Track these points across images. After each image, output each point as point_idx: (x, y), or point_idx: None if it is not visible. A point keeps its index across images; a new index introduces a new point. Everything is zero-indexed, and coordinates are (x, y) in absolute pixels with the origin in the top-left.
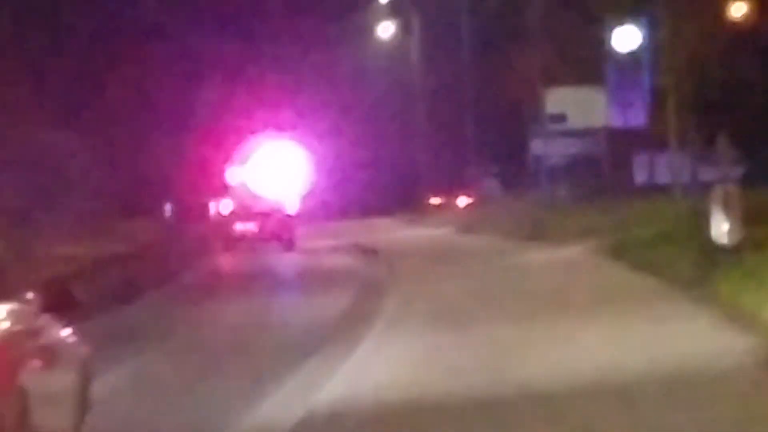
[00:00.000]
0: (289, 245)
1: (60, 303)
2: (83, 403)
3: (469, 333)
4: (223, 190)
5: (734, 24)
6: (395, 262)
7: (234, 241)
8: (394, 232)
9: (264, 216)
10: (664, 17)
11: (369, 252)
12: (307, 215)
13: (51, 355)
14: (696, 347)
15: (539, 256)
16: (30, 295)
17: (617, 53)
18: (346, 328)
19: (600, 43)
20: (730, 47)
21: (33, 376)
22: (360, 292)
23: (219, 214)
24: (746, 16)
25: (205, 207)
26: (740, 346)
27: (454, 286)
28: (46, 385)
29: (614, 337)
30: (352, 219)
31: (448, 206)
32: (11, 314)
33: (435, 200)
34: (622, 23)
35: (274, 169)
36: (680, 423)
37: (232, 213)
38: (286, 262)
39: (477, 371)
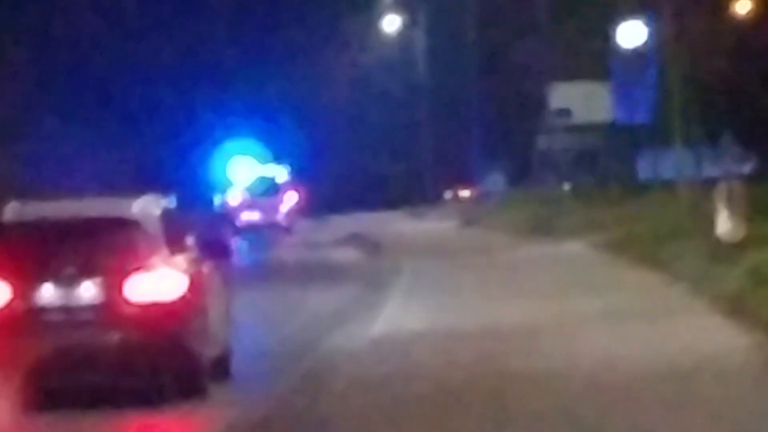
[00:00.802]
0: (288, 231)
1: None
2: (230, 318)
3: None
4: (230, 182)
5: (739, 20)
6: (398, 256)
7: (240, 228)
8: (397, 225)
9: (266, 206)
10: (669, 13)
11: (373, 246)
12: (310, 208)
13: (214, 284)
14: (698, 344)
15: (541, 250)
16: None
17: (623, 49)
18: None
19: (605, 39)
20: (735, 44)
21: (209, 299)
22: (364, 286)
23: (227, 204)
24: (751, 13)
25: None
26: (743, 343)
27: (453, 282)
28: (215, 306)
29: (611, 331)
30: (355, 213)
31: (452, 200)
32: (192, 257)
33: (448, 194)
34: (627, 19)
35: (274, 163)
36: (680, 418)
37: (239, 204)
38: (292, 256)
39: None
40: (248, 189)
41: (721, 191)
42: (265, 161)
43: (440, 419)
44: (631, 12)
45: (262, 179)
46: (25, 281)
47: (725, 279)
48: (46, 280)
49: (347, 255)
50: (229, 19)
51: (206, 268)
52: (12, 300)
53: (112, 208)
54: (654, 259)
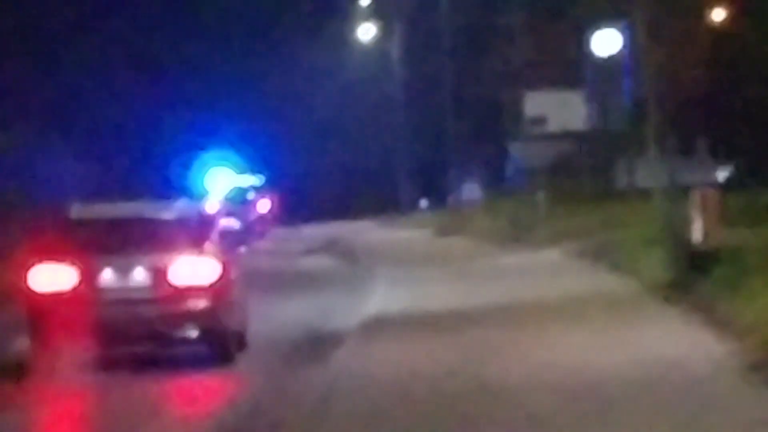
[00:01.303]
0: (261, 236)
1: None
2: (247, 300)
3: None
4: (206, 191)
5: (714, 28)
6: (373, 265)
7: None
8: (372, 234)
9: (241, 214)
10: (643, 21)
11: (347, 254)
12: (285, 217)
13: (236, 271)
14: (672, 351)
15: (517, 258)
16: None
17: (597, 57)
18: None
19: (580, 47)
20: (710, 51)
21: (234, 284)
22: (336, 296)
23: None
24: (726, 21)
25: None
26: (717, 350)
27: (426, 293)
28: (237, 289)
29: (586, 338)
30: (330, 221)
31: (430, 209)
32: (219, 249)
33: (422, 202)
34: (602, 27)
35: (248, 173)
36: (654, 424)
37: (216, 212)
38: (267, 264)
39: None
40: (224, 198)
41: (695, 199)
42: (240, 171)
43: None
44: (606, 20)
45: (238, 188)
46: (88, 267)
47: (700, 287)
48: (105, 267)
49: (321, 263)
50: (205, 30)
51: (229, 257)
52: (79, 282)
53: (157, 210)
54: (629, 266)
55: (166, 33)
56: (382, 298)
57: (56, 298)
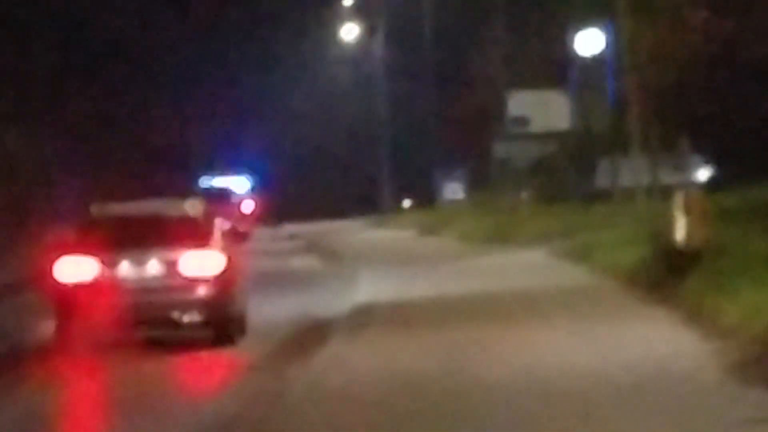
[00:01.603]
0: (245, 237)
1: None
2: (246, 289)
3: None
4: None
5: (696, 27)
6: (357, 265)
7: None
8: (356, 234)
9: (226, 214)
10: (626, 21)
11: (331, 254)
12: (269, 217)
13: (238, 262)
14: (656, 350)
15: (500, 259)
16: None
17: (580, 57)
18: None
19: (563, 47)
20: (692, 52)
21: (236, 275)
22: (318, 297)
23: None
24: (708, 19)
25: None
26: (701, 349)
27: (409, 294)
28: (239, 279)
29: (570, 337)
30: (314, 222)
31: (413, 208)
32: (224, 243)
33: (406, 202)
34: (585, 27)
35: (233, 174)
36: (638, 423)
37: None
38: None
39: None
40: (209, 197)
41: (678, 199)
42: (226, 172)
43: None
44: (589, 20)
45: (223, 188)
46: (108, 260)
47: (683, 286)
48: (123, 259)
49: (305, 263)
50: (189, 31)
51: (233, 250)
52: (100, 273)
53: (168, 208)
54: (612, 266)
55: (150, 35)
56: (365, 295)
57: (79, 287)
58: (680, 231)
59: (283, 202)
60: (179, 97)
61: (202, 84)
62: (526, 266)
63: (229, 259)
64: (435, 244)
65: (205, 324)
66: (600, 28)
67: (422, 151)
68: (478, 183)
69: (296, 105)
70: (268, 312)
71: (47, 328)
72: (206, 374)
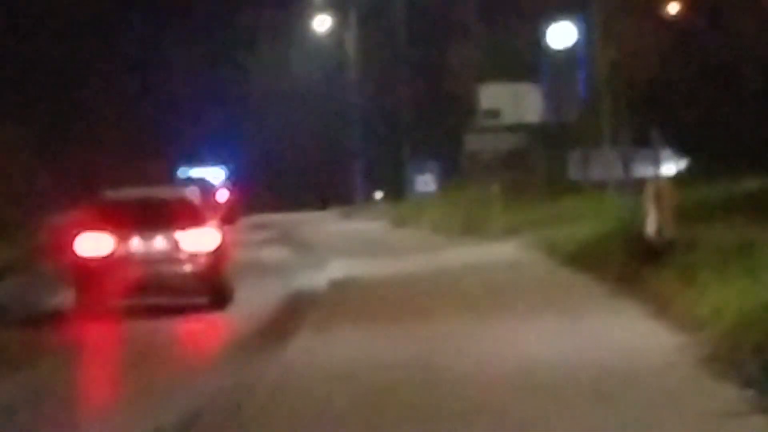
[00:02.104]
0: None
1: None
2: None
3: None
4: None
5: (669, 22)
6: (329, 256)
7: None
8: (328, 225)
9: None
10: (598, 14)
11: (304, 245)
12: (242, 208)
13: (228, 240)
14: (625, 343)
15: (471, 250)
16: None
17: (552, 50)
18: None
19: (535, 40)
20: (664, 45)
21: (228, 250)
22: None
23: None
24: (681, 14)
25: None
26: (671, 342)
27: (380, 284)
28: (229, 254)
29: (540, 330)
30: (286, 212)
31: (385, 200)
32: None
33: (377, 194)
34: (557, 20)
35: (208, 164)
36: (607, 419)
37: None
38: None
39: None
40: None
41: (649, 192)
42: (200, 163)
43: None
44: (561, 13)
45: (200, 179)
46: (122, 237)
47: (654, 280)
48: (134, 236)
49: (275, 254)
50: (159, 20)
51: (224, 229)
52: (115, 248)
53: (171, 193)
54: (582, 259)
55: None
56: (335, 287)
57: (96, 260)
58: (651, 224)
59: (256, 194)
60: (156, 90)
61: (175, 76)
62: (497, 258)
63: (222, 237)
64: (406, 235)
65: (202, 291)
66: (572, 21)
67: (394, 143)
68: (449, 175)
69: (270, 97)
70: (245, 296)
71: (64, 296)
72: (203, 332)
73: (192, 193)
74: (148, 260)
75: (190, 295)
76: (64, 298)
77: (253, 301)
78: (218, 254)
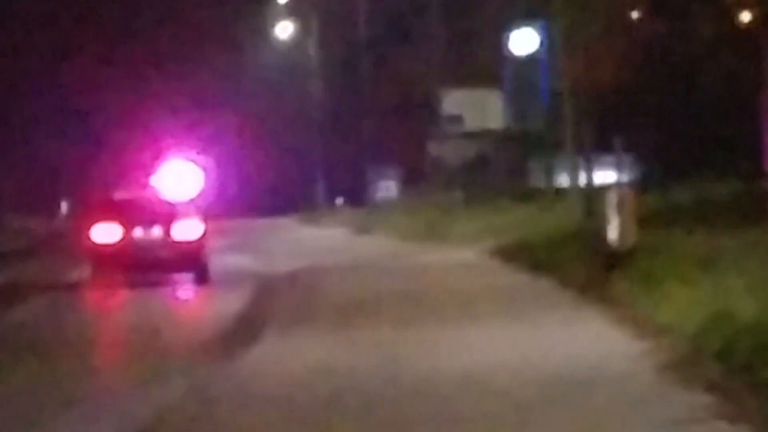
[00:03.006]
0: None
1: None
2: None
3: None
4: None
5: (631, 28)
6: (289, 263)
7: None
8: (290, 232)
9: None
10: (561, 21)
11: (265, 252)
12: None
13: (208, 230)
14: (587, 349)
15: (434, 257)
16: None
17: (515, 56)
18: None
19: (497, 46)
20: (626, 51)
21: (208, 237)
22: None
23: None
24: (643, 20)
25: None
26: (633, 348)
27: (346, 292)
28: (209, 241)
29: (500, 337)
30: (249, 218)
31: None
32: (200, 216)
33: (339, 200)
34: (519, 26)
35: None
36: (568, 425)
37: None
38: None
39: None
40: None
41: (611, 198)
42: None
43: None
44: (524, 19)
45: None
46: (127, 226)
47: (615, 286)
48: (136, 226)
49: (238, 261)
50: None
51: (206, 223)
52: (123, 236)
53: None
54: (544, 265)
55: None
56: (299, 297)
57: (107, 245)
58: (612, 230)
59: (216, 200)
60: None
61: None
62: (459, 265)
63: (205, 227)
64: (370, 242)
65: (188, 270)
66: (534, 27)
67: (356, 149)
68: (411, 181)
69: (230, 104)
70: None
71: (82, 273)
72: (191, 302)
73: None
74: (147, 246)
75: (178, 272)
76: (83, 273)
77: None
78: (201, 241)
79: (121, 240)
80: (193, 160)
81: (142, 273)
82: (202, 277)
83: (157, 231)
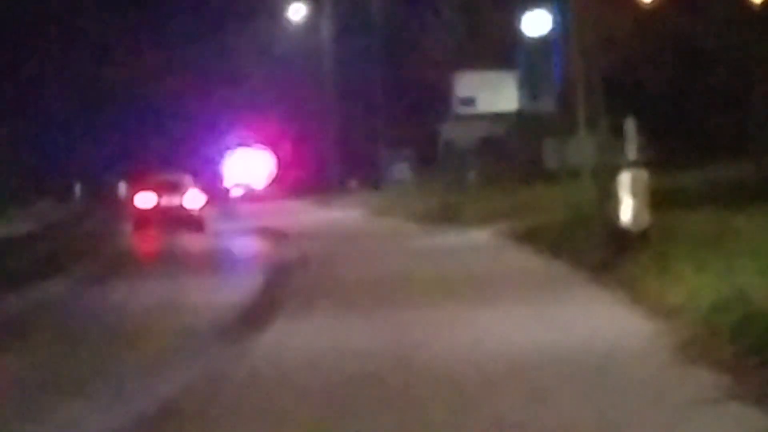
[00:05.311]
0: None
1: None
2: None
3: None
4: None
5: (644, 7)
6: (305, 246)
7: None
8: (306, 214)
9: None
10: (574, 1)
11: (279, 235)
12: (219, 197)
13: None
14: (600, 330)
15: (447, 239)
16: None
17: (528, 38)
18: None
19: (511, 28)
20: (639, 31)
21: (207, 205)
22: (267, 283)
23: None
24: (656, 1)
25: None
26: (646, 330)
27: (356, 272)
28: (207, 207)
29: (515, 318)
30: (263, 202)
31: (360, 189)
32: (201, 190)
33: (353, 182)
34: (532, 8)
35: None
36: (582, 406)
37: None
38: (198, 244)
39: None
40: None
41: (624, 180)
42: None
43: None
44: (537, 1)
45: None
46: (159, 195)
47: (628, 267)
48: (165, 195)
49: (252, 243)
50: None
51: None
52: (157, 202)
53: (180, 176)
54: (558, 247)
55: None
56: (317, 277)
57: (146, 209)
58: (626, 212)
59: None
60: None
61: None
62: (472, 246)
63: (206, 197)
64: (387, 223)
65: (194, 226)
66: (547, 8)
67: (370, 131)
68: (425, 163)
69: (244, 86)
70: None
71: (127, 228)
72: (196, 242)
73: (190, 178)
74: (171, 209)
75: (188, 227)
76: (129, 227)
77: None
78: (203, 208)
79: (155, 205)
80: (261, 149)
81: (165, 227)
82: (201, 230)
83: (176, 199)
